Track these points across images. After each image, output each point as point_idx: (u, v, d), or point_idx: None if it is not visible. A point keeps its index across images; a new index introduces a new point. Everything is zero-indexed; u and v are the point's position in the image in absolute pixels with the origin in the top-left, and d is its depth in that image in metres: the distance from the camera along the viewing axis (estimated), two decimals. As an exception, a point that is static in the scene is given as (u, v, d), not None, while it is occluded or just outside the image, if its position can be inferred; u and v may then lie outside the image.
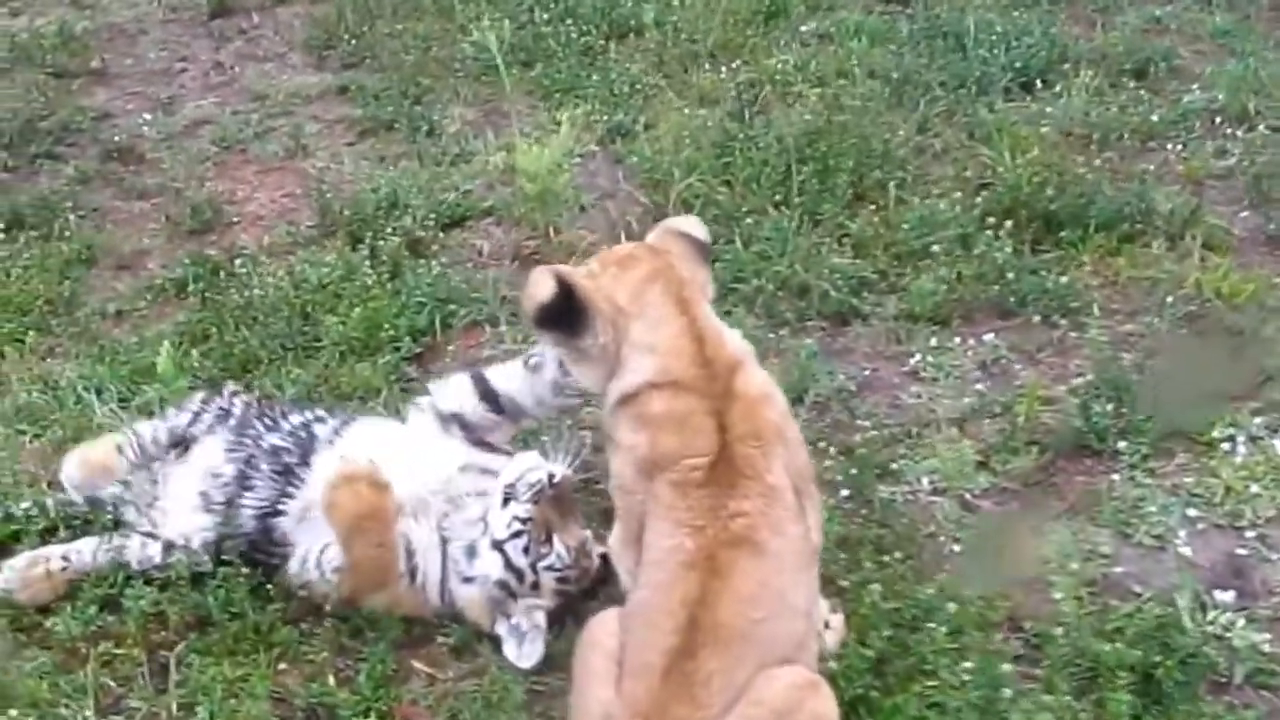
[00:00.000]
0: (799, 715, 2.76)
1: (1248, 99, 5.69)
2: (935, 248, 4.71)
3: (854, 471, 3.76)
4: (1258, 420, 3.99)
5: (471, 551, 3.42)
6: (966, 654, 3.20)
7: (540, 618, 3.37)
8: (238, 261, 5.07)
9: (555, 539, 3.39)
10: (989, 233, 4.74)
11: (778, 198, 5.12)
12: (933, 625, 3.24)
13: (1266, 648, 3.27)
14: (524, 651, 3.33)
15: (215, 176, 5.92)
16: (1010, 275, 4.58)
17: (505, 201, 5.43)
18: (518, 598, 3.39)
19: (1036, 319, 4.50)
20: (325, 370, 4.43)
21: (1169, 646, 3.20)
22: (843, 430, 4.06)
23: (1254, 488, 3.77)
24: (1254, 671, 3.22)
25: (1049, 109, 5.74)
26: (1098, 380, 4.12)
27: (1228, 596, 3.39)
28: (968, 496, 3.83)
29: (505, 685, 3.26)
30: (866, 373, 4.36)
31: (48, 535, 3.75)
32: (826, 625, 3.19)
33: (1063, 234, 4.84)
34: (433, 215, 5.30)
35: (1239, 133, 5.53)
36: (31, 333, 4.83)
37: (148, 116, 6.50)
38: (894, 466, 3.91)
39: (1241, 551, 3.59)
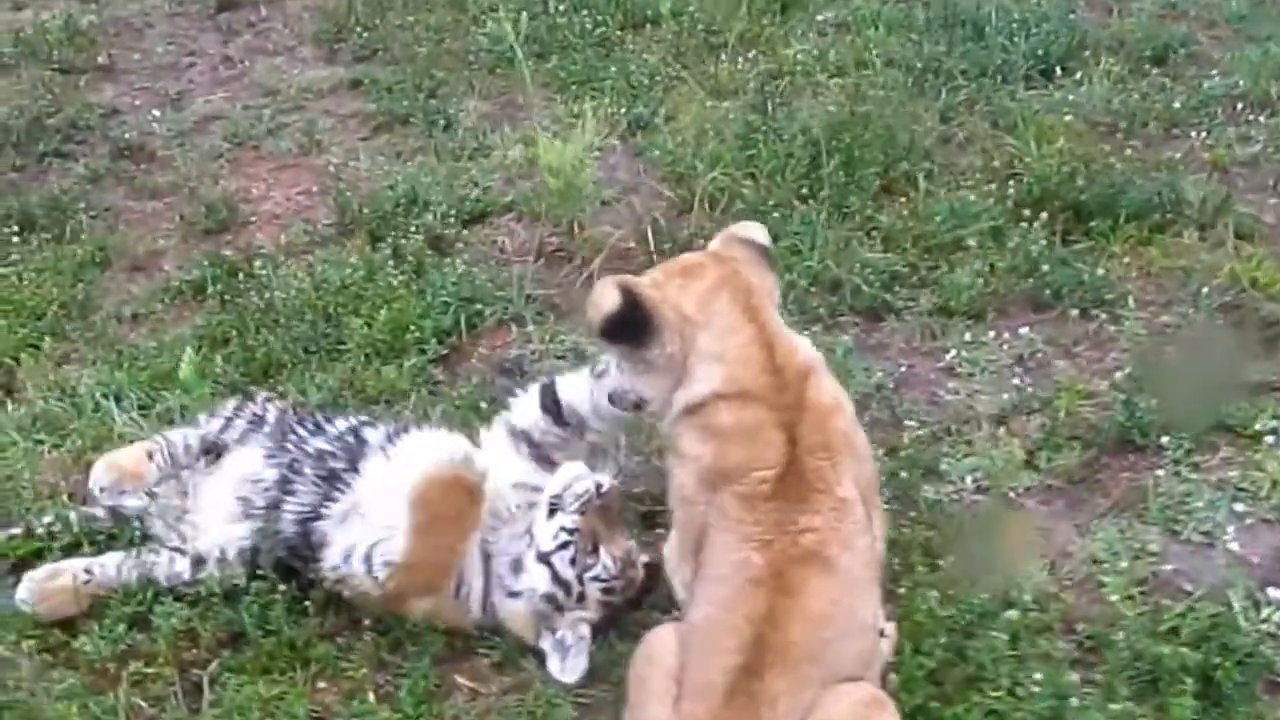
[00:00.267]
0: (866, 734, 2.72)
1: (1269, 84, 5.62)
2: (972, 241, 4.63)
3: (903, 474, 3.69)
4: (1301, 412, 3.93)
5: (517, 565, 3.35)
6: (1025, 661, 3.16)
7: (585, 631, 3.31)
8: (257, 263, 4.98)
9: (602, 550, 3.32)
10: (1022, 225, 4.68)
11: (804, 190, 5.05)
12: (993, 632, 3.19)
13: (1323, 645, 3.21)
14: (568, 665, 3.26)
15: (229, 174, 5.82)
16: (1045, 268, 4.51)
17: (526, 197, 5.34)
18: (564, 611, 3.32)
19: (1070, 311, 4.44)
20: (351, 374, 4.36)
21: (1227, 647, 3.16)
22: (882, 428, 3.99)
23: (1301, 481, 3.71)
24: (1312, 670, 3.17)
25: (1071, 97, 5.66)
26: (1139, 374, 4.07)
27: (1280, 593, 3.34)
28: (1012, 495, 3.77)
29: (550, 700, 3.21)
30: (903, 369, 4.30)
31: (71, 551, 3.66)
32: (882, 633, 3.13)
33: (1093, 224, 4.78)
34: (453, 212, 5.22)
35: (1262, 118, 5.45)
36: (47, 338, 4.75)
37: (157, 113, 6.38)
38: (939, 466, 3.85)
39: (1292, 546, 3.54)
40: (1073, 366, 4.23)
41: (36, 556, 3.65)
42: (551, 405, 3.57)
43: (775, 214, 4.92)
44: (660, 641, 2.94)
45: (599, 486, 3.32)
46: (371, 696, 3.25)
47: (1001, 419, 4.04)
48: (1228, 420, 3.92)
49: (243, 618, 3.38)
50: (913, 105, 5.60)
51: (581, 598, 3.32)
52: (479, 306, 4.65)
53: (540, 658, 3.31)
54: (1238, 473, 3.77)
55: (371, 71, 6.65)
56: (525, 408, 3.64)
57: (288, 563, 3.49)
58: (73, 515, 3.74)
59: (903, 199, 5.02)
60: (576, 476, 3.36)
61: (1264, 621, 3.29)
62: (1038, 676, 3.07)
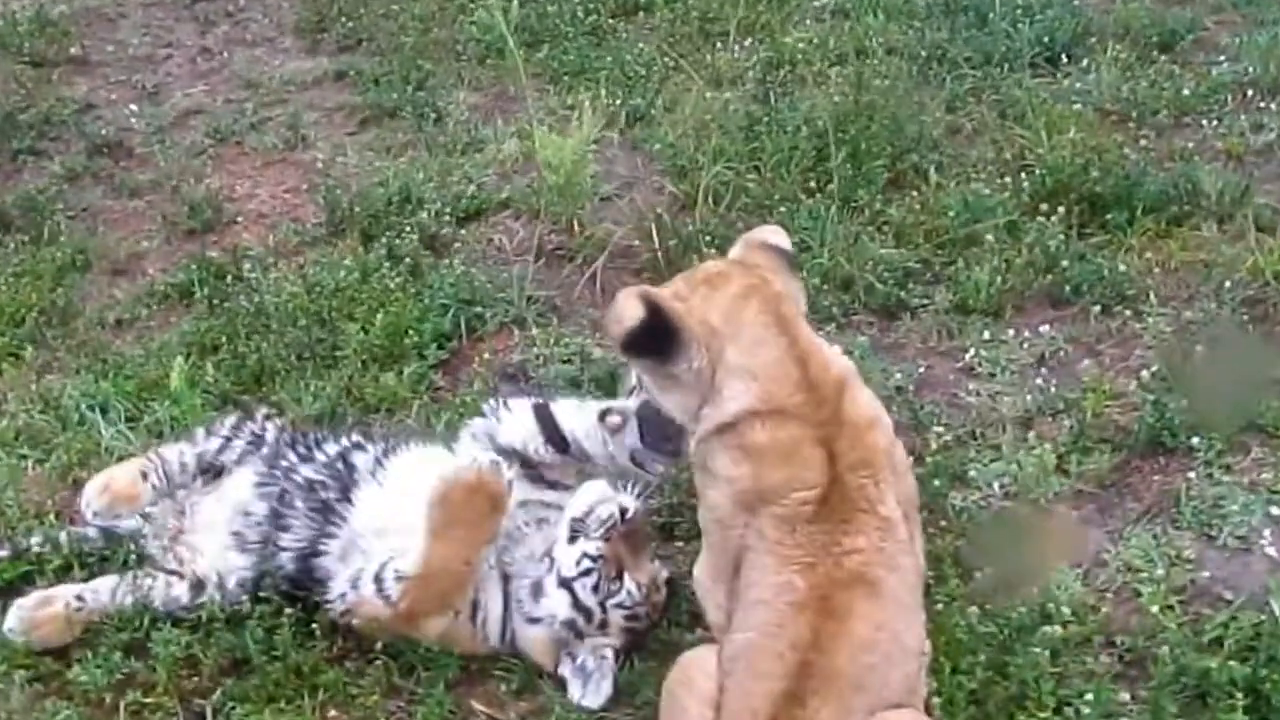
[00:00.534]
0: (912, 762, 2.61)
1: (1279, 71, 5.50)
2: (989, 236, 4.50)
3: (935, 482, 3.55)
4: (1333, 411, 3.83)
5: (537, 590, 3.22)
6: (1069, 678, 3.06)
7: (608, 654, 3.18)
8: (245, 265, 4.82)
9: (626, 576, 3.18)
10: (1040, 219, 4.54)
11: (811, 184, 4.90)
12: (1035, 649, 3.07)
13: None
14: (590, 690, 3.14)
15: (211, 171, 5.64)
16: (1065, 263, 4.39)
17: (523, 193, 5.19)
18: (584, 638, 3.20)
19: (1091, 308, 4.31)
20: (348, 382, 4.20)
21: (1274, 659, 3.05)
22: (904, 433, 3.79)
23: (1336, 482, 3.61)
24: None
25: (1079, 85, 5.53)
26: (1166, 373, 3.95)
27: (1322, 600, 3.24)
28: (1042, 502, 3.65)
29: (572, 726, 3.08)
30: (921, 370, 4.16)
31: (62, 574, 3.52)
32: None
33: (1109, 217, 4.64)
34: (448, 210, 5.07)
35: (1273, 106, 5.32)
36: (27, 346, 4.58)
37: (134, 107, 6.19)
38: (967, 472, 3.73)
39: (1331, 550, 3.44)
40: (1096, 366, 4.10)
41: (25, 580, 3.51)
42: (553, 436, 3.41)
43: (781, 208, 4.79)
44: (698, 666, 2.82)
45: (624, 511, 3.18)
46: (384, 724, 3.12)
47: (1026, 421, 3.91)
48: (1258, 420, 3.80)
49: (246, 643, 3.24)
50: (918, 95, 5.46)
51: (604, 625, 3.19)
52: (479, 309, 4.50)
53: (560, 683, 3.19)
54: (1271, 474, 3.65)
55: (356, 63, 6.47)
56: (513, 426, 3.46)
57: (291, 591, 3.35)
58: (63, 536, 3.59)
59: (914, 192, 4.88)
60: (598, 500, 3.22)
61: (1307, 630, 3.18)
62: (1088, 696, 2.96)
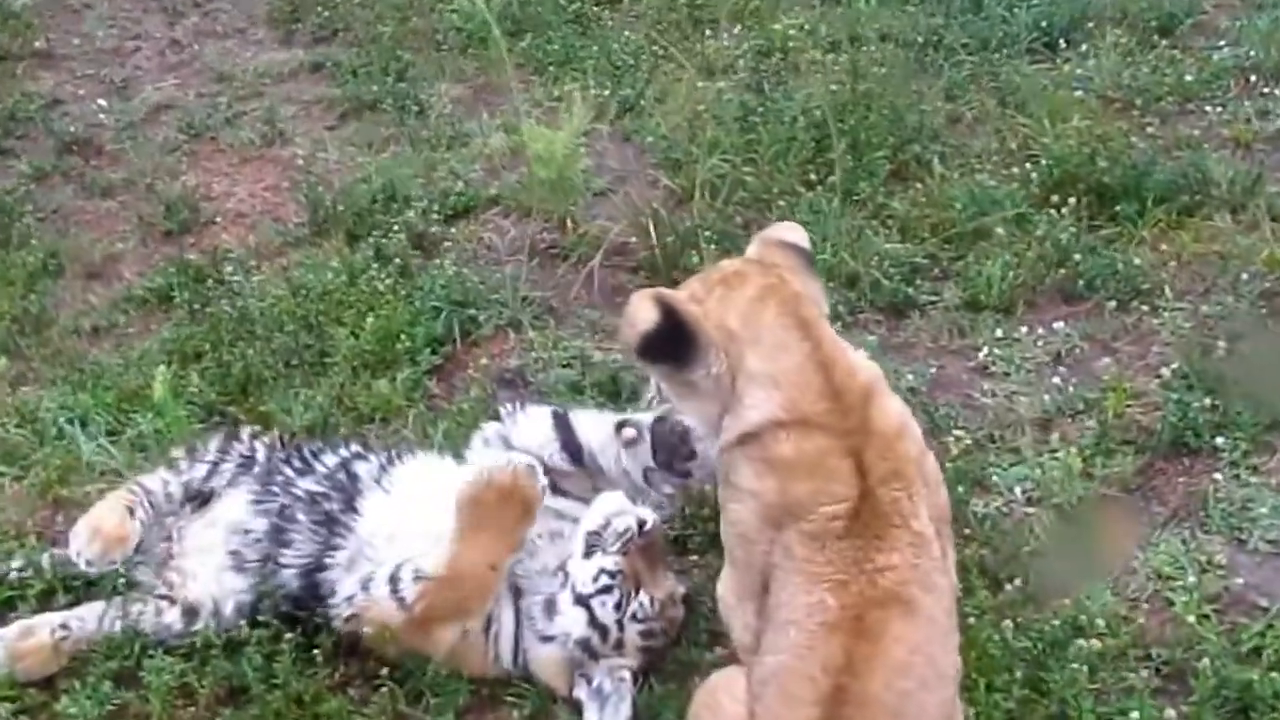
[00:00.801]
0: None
1: (1281, 55, 5.40)
2: (999, 230, 4.37)
3: (959, 489, 3.42)
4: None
5: (550, 607, 3.09)
6: (1108, 694, 2.97)
7: (626, 677, 3.06)
8: (227, 268, 4.63)
9: (643, 592, 3.06)
10: (1051, 211, 4.42)
11: (810, 176, 4.76)
12: (1073, 665, 2.97)
13: None
14: (607, 715, 3.01)
15: (187, 169, 5.44)
16: (1077, 257, 4.27)
17: (512, 189, 5.02)
18: (599, 658, 3.07)
19: (1106, 303, 4.20)
20: (339, 390, 4.04)
21: (1317, 670, 2.96)
22: (918, 437, 3.72)
23: (1366, 482, 3.53)
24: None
25: (1079, 71, 5.40)
26: (1187, 370, 3.84)
27: (1358, 606, 3.17)
28: (1066, 507, 3.53)
29: (586, 755, 2.97)
30: (933, 370, 4.04)
31: (45, 599, 3.38)
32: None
33: (1118, 208, 4.52)
34: (436, 207, 4.90)
35: (1277, 91, 5.23)
36: (1, 357, 4.37)
37: (103, 102, 5.97)
38: (989, 477, 3.61)
39: (1365, 554, 3.35)
40: (1114, 363, 4.00)
41: (7, 606, 3.38)
42: (569, 444, 3.29)
43: (781, 202, 4.67)
44: (724, 690, 2.71)
45: (642, 524, 3.05)
46: (390, 755, 2.97)
47: (1046, 423, 3.81)
48: (1283, 419, 3.70)
49: (244, 670, 3.09)
50: (915, 83, 5.32)
51: (620, 644, 3.08)
52: (472, 312, 4.35)
53: (576, 708, 3.05)
54: (1298, 474, 3.56)
55: (333, 54, 6.27)
56: (529, 430, 3.35)
57: (292, 613, 3.21)
58: (45, 559, 3.45)
59: (918, 185, 4.75)
60: (617, 511, 3.09)
61: (1345, 637, 3.09)
62: (1133, 714, 2.87)
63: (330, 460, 3.38)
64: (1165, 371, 3.89)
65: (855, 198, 4.66)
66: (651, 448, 3.23)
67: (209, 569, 3.26)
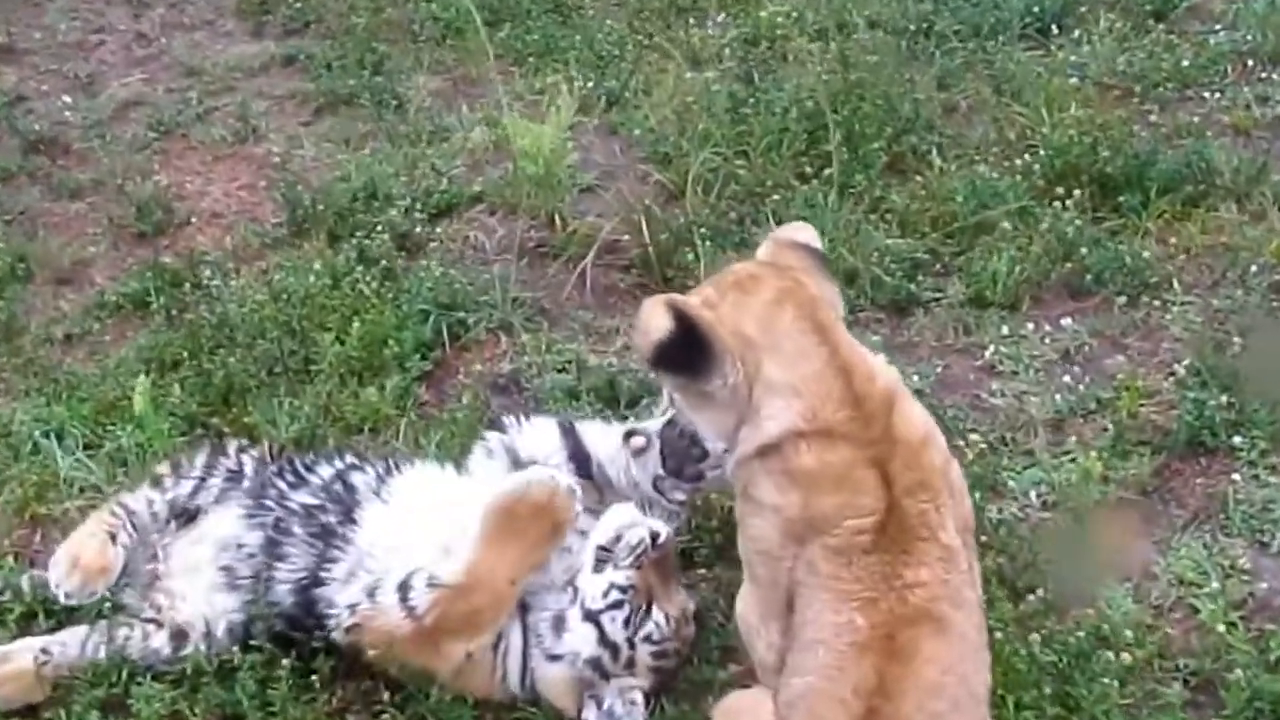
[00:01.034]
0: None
1: (1279, 38, 5.30)
2: (1005, 224, 4.27)
3: (976, 495, 3.30)
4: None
5: (559, 624, 2.97)
6: (1139, 709, 2.89)
7: (638, 698, 2.94)
8: (205, 272, 4.46)
9: (655, 608, 2.94)
10: (1056, 204, 4.33)
11: (806, 169, 4.64)
12: (1103, 679, 2.88)
13: None
14: (620, 739, 2.90)
15: (158, 168, 5.24)
16: (1084, 251, 4.17)
17: (496, 185, 4.88)
18: (610, 677, 2.95)
19: (1113, 298, 4.12)
20: (326, 399, 3.89)
21: (1352, 681, 2.88)
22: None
23: (1389, 481, 3.45)
24: None
25: (1073, 57, 5.30)
26: (1201, 367, 3.74)
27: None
28: (1083, 511, 3.44)
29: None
30: (939, 370, 3.94)
31: (26, 622, 3.25)
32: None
33: (1121, 199, 4.43)
34: (419, 206, 4.74)
35: (1275, 75, 5.16)
36: (-32, 368, 4.21)
37: (68, 99, 5.77)
38: (1003, 481, 3.52)
39: (1391, 556, 3.28)
40: (1125, 360, 3.91)
41: (-15, 631, 3.23)
42: (577, 454, 3.20)
43: (775, 196, 4.57)
44: (749, 712, 2.63)
45: (655, 537, 2.93)
46: (392, 783, 2.89)
47: (1058, 424, 3.72)
48: (1300, 416, 3.62)
49: (238, 697, 2.96)
50: (907, 71, 5.19)
51: (631, 663, 2.96)
52: (461, 315, 4.21)
53: (584, 732, 2.95)
54: (1319, 474, 3.49)
55: (306, 46, 6.09)
56: (535, 440, 3.24)
57: (287, 634, 3.07)
58: (24, 581, 3.32)
59: (917, 177, 4.64)
60: (626, 524, 2.97)
61: (1379, 645, 3.01)
62: (1171, 736, 2.76)
63: (325, 472, 3.24)
64: (1178, 369, 3.81)
65: (851, 191, 4.54)
66: (660, 455, 3.14)
67: (198, 589, 3.13)
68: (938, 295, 4.19)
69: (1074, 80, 5.09)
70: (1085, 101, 4.89)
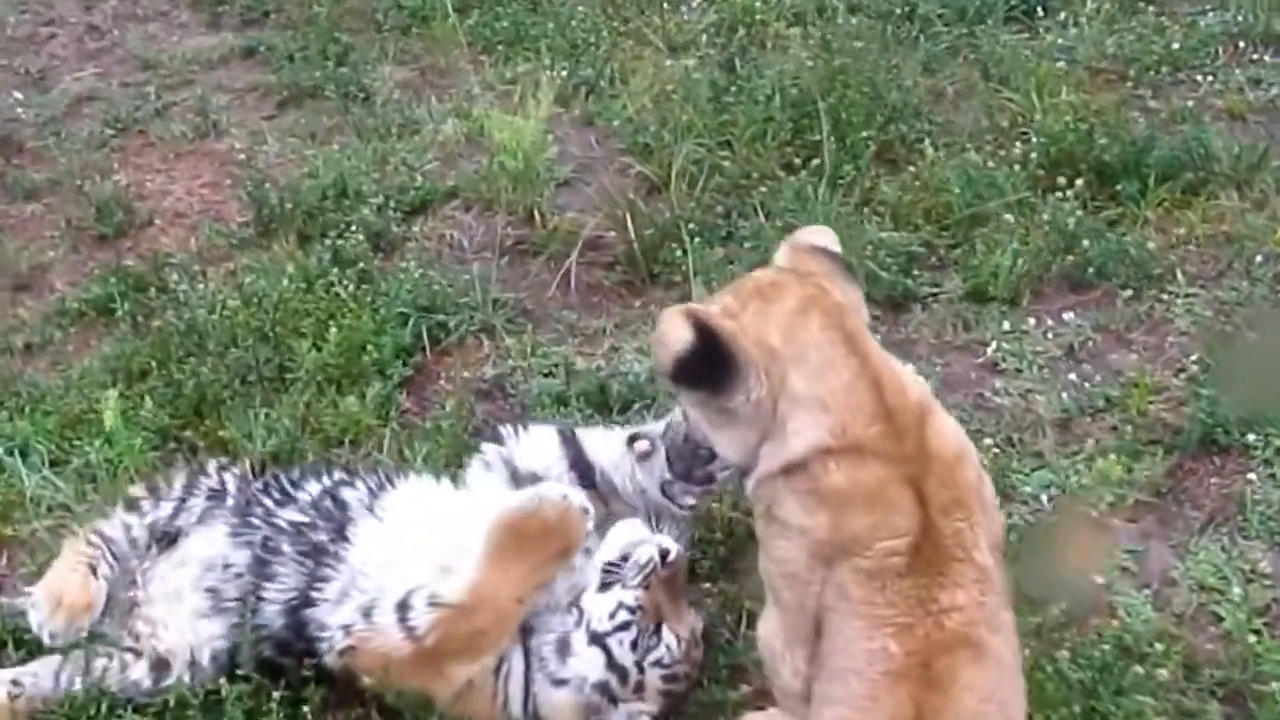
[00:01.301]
0: None
1: (1270, 19, 5.20)
2: (1008, 216, 4.14)
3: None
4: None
5: (564, 647, 2.82)
6: (1175, 728, 2.77)
7: (648, 725, 2.79)
8: (171, 276, 4.27)
9: (664, 629, 2.79)
10: (1052, 194, 4.20)
11: (794, 160, 4.50)
12: (1138, 695, 2.77)
13: None
14: (629, 767, 2.77)
15: (117, 166, 5.05)
16: (1085, 243, 4.05)
17: (470, 180, 4.71)
18: (618, 702, 2.80)
19: (1116, 291, 4.00)
20: (304, 409, 3.71)
21: (1387, 693, 2.78)
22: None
23: (1406, 479, 3.35)
24: None
25: (1061, 40, 5.19)
26: (1210, 362, 3.64)
27: None
28: (1095, 514, 3.31)
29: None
30: (939, 368, 3.81)
31: (-5, 653, 3.06)
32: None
33: (1119, 188, 4.31)
34: (392, 203, 4.57)
35: (1268, 57, 5.07)
36: (-75, 380, 4.00)
37: (19, 95, 5.56)
38: (1014, 484, 3.39)
39: None
40: (1131, 356, 3.79)
41: (-47, 664, 3.06)
42: (579, 462, 3.05)
43: (762, 188, 4.43)
44: None
45: (665, 554, 2.79)
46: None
47: (1065, 423, 3.60)
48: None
49: (225, 729, 2.79)
50: (891, 56, 5.05)
51: (640, 687, 2.81)
52: (441, 317, 4.05)
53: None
54: (1335, 472, 3.39)
55: (265, 37, 5.90)
56: (534, 450, 3.09)
57: (276, 661, 2.91)
58: (-7, 609, 3.14)
59: (909, 167, 4.49)
60: (634, 541, 2.83)
61: None
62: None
63: (313, 488, 3.08)
64: (1187, 364, 3.70)
65: (840, 182, 4.40)
66: (667, 458, 3.00)
67: (181, 615, 2.97)
68: (935, 290, 4.06)
69: (1062, 64, 4.97)
70: (1076, 86, 4.77)
